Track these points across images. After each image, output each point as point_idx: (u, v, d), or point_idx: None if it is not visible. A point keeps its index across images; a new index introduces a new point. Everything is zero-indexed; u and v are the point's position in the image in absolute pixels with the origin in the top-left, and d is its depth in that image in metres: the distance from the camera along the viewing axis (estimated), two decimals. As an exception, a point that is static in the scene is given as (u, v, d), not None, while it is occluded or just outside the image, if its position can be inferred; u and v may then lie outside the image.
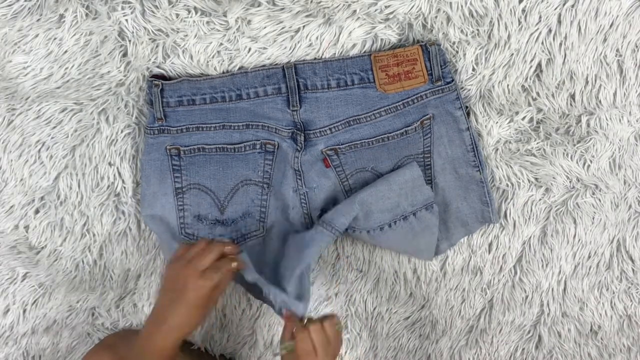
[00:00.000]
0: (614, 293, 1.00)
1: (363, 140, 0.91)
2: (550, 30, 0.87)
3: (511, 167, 0.95)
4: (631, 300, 1.01)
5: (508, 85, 0.90)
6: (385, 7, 0.86)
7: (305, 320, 0.81)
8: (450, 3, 0.86)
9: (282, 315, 0.83)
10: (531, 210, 0.97)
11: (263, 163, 0.92)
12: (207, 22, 0.88)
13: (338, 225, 0.87)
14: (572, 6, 0.85)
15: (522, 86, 0.91)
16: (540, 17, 0.86)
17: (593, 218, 0.97)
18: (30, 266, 1.00)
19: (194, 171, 0.93)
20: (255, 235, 0.95)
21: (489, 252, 0.99)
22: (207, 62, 0.90)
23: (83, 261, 0.99)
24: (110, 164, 0.96)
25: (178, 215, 0.94)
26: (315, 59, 0.89)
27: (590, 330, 1.02)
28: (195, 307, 0.77)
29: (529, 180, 0.95)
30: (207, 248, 0.81)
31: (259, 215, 0.94)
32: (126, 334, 1.01)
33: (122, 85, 0.92)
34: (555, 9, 0.85)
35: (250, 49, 0.89)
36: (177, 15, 0.87)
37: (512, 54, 0.89)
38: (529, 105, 0.92)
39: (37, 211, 0.98)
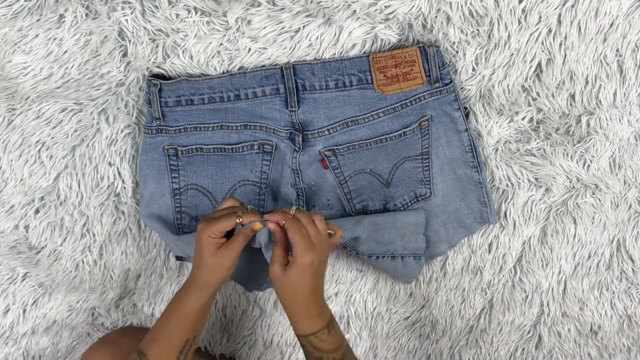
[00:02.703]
0: (614, 293, 1.00)
1: (361, 142, 0.91)
2: (550, 30, 0.87)
3: (511, 167, 0.95)
4: (631, 300, 1.01)
5: (508, 85, 0.90)
6: (385, 7, 0.86)
7: (293, 211, 0.75)
8: (450, 3, 0.86)
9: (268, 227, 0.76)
10: (531, 210, 0.97)
11: (261, 164, 0.92)
12: (207, 22, 0.88)
13: None
14: (572, 6, 0.85)
15: (522, 86, 0.91)
16: (540, 17, 0.86)
17: (593, 218, 0.97)
18: (30, 266, 1.00)
19: (192, 171, 0.93)
20: None
21: (489, 252, 0.99)
22: (207, 62, 0.90)
23: (83, 261, 0.99)
24: (110, 164, 0.96)
25: (175, 216, 0.94)
26: (314, 59, 0.89)
27: (590, 330, 1.02)
28: (212, 266, 0.76)
29: (529, 180, 0.95)
30: (228, 214, 0.77)
31: None
32: (127, 330, 1.01)
33: (122, 85, 0.92)
34: (555, 9, 0.85)
35: (250, 49, 0.89)
36: (177, 15, 0.87)
37: (512, 54, 0.88)
38: (529, 105, 0.92)
39: (37, 211, 0.98)
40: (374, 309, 1.03)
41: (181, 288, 0.79)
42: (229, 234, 0.77)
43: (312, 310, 0.74)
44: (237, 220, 0.75)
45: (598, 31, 0.86)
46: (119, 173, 0.96)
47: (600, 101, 0.90)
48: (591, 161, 0.93)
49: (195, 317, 0.77)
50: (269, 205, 0.94)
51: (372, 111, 0.90)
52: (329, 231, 0.76)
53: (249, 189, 0.94)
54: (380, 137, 0.91)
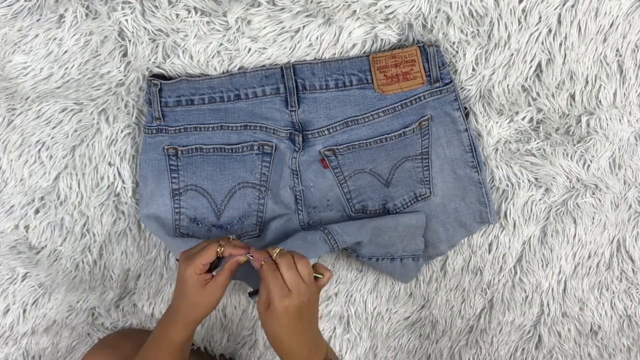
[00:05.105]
0: (614, 293, 1.00)
1: (361, 141, 0.91)
2: (550, 30, 0.87)
3: (511, 167, 0.95)
4: (631, 300, 1.01)
5: (508, 85, 0.90)
6: (385, 7, 0.86)
7: (275, 254, 0.71)
8: (450, 3, 0.86)
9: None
10: (531, 210, 0.97)
11: (260, 165, 0.92)
12: (207, 22, 0.88)
13: (341, 242, 0.88)
14: (572, 6, 0.85)
15: (522, 86, 0.91)
16: (540, 17, 0.86)
17: (593, 218, 0.97)
18: (30, 266, 1.00)
19: (191, 172, 0.93)
20: (251, 236, 0.95)
21: (489, 252, 0.99)
22: (207, 62, 0.90)
23: (83, 261, 0.99)
24: (110, 164, 0.96)
25: (174, 217, 0.94)
26: (314, 59, 0.89)
27: (590, 330, 1.02)
28: (198, 303, 0.76)
29: (529, 180, 0.95)
30: (208, 245, 0.77)
31: (256, 219, 0.94)
32: (127, 333, 1.01)
33: (122, 85, 0.92)
34: (555, 9, 0.85)
35: (250, 49, 0.89)
36: (177, 15, 0.87)
37: (512, 54, 0.88)
38: (529, 105, 0.92)
39: (37, 211, 0.98)
40: (374, 309, 1.03)
41: (164, 320, 0.79)
42: (212, 267, 0.77)
43: (296, 355, 0.71)
44: (218, 250, 0.74)
45: (598, 31, 0.86)
46: (119, 173, 0.96)
47: (600, 101, 0.90)
48: (591, 161, 0.93)
49: (182, 348, 0.79)
50: (269, 209, 0.94)
51: (372, 111, 0.90)
52: (316, 275, 0.73)
53: (249, 192, 0.94)
54: (380, 137, 0.91)
